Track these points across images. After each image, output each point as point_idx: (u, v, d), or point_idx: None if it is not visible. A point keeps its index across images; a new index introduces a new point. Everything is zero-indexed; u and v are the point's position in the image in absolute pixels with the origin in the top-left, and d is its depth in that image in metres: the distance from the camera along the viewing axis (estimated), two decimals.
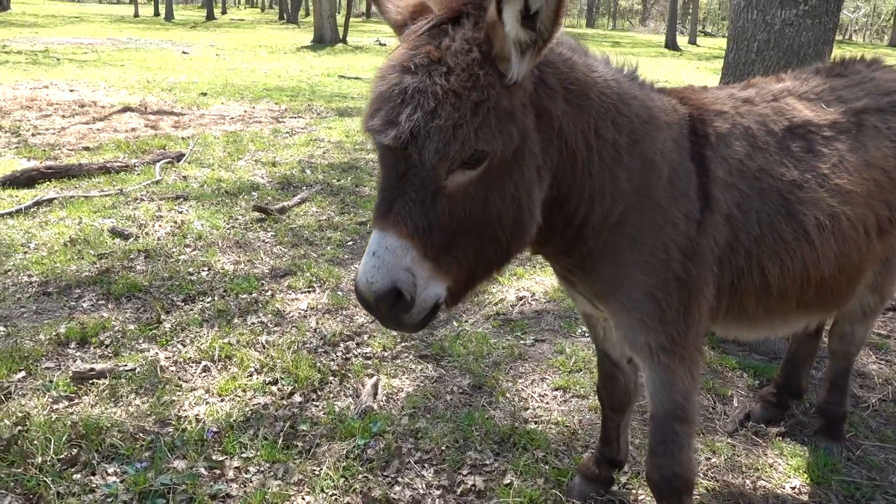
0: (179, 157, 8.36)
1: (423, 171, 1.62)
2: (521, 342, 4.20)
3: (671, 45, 38.11)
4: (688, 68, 25.71)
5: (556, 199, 1.94)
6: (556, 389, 3.70)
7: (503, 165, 1.71)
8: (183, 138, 9.57)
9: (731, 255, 2.23)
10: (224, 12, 59.09)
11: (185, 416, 3.30)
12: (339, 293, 4.78)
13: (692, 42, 43.91)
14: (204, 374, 3.72)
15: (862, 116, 2.48)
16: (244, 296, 4.65)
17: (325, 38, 29.14)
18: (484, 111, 1.63)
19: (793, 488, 3.00)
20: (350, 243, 5.81)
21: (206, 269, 5.08)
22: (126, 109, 11.47)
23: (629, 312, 2.20)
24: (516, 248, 1.90)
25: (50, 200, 6.42)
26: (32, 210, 6.16)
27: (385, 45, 30.34)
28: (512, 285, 4.99)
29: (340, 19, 31.13)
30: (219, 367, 3.77)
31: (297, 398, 3.51)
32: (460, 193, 1.68)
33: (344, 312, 4.50)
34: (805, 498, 2.94)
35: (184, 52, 23.02)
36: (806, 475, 3.07)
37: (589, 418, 3.44)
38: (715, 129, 2.25)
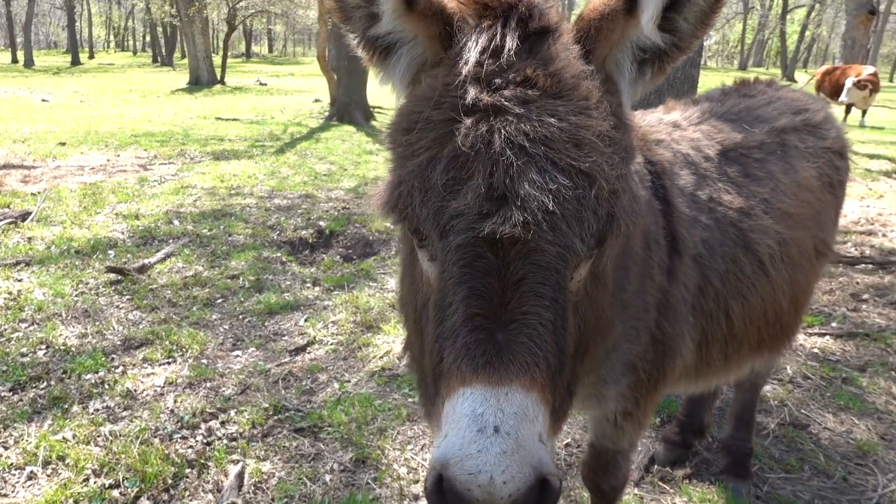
0: (25, 216, 7.43)
1: (554, 272, 1.07)
2: (410, 400, 3.81)
3: None
4: None
5: None
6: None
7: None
8: (32, 194, 8.57)
9: (703, 300, 1.95)
10: (91, 57, 55.97)
11: None
12: (204, 362, 4.21)
13: None
14: (28, 484, 3.07)
15: (784, 136, 2.36)
16: (88, 376, 3.99)
17: (202, 80, 28.04)
18: (630, 163, 1.16)
19: None
20: (220, 301, 5.24)
21: (43, 347, 4.36)
22: None
23: (607, 386, 1.84)
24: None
25: None
26: None
27: (266, 84, 29.63)
28: (398, 334, 4.61)
29: (218, 60, 30.06)
30: (48, 473, 3.13)
31: (144, 503, 2.94)
32: (580, 296, 1.19)
33: (208, 385, 3.94)
34: None
35: (43, 100, 21.36)
36: None
37: None
38: (664, 158, 1.99)
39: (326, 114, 17.13)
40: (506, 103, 1.08)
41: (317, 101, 21.62)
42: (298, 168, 10.39)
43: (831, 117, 2.64)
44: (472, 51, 1.15)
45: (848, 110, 17.86)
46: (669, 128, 2.18)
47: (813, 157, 2.42)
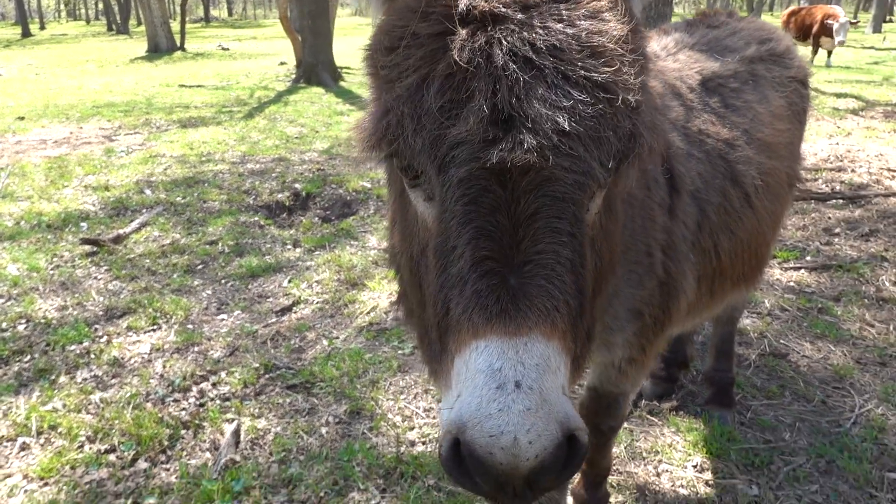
0: None
1: (571, 204, 0.95)
2: (400, 352, 3.84)
3: None
4: None
5: None
6: (441, 400, 3.38)
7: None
8: None
9: (701, 236, 1.89)
10: (42, 28, 53.81)
11: None
12: (190, 327, 4.19)
13: None
14: (22, 454, 3.06)
15: (753, 66, 2.35)
16: (72, 347, 3.95)
17: (161, 47, 27.17)
18: (649, 73, 1.03)
19: (695, 467, 2.87)
20: (200, 267, 5.18)
21: (23, 321, 4.29)
22: None
23: (613, 333, 1.76)
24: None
25: None
26: None
27: (228, 49, 28.85)
28: (384, 290, 4.63)
29: (176, 26, 29.09)
30: (41, 443, 3.12)
31: (142, 464, 2.95)
32: (595, 229, 1.07)
33: (196, 349, 3.93)
34: (708, 476, 2.82)
35: None
36: (705, 450, 2.96)
37: None
38: (655, 91, 1.87)
39: (293, 76, 16.77)
40: (505, 10, 0.96)
41: (282, 63, 21.12)
42: (269, 132, 10.21)
43: (793, 47, 2.67)
44: None
45: (815, 51, 17.96)
46: (652, 57, 2.16)
47: (781, 86, 2.43)
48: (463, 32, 0.96)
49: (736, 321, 3.19)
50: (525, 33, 0.94)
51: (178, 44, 27.85)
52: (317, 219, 6.31)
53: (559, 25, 0.95)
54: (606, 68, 0.94)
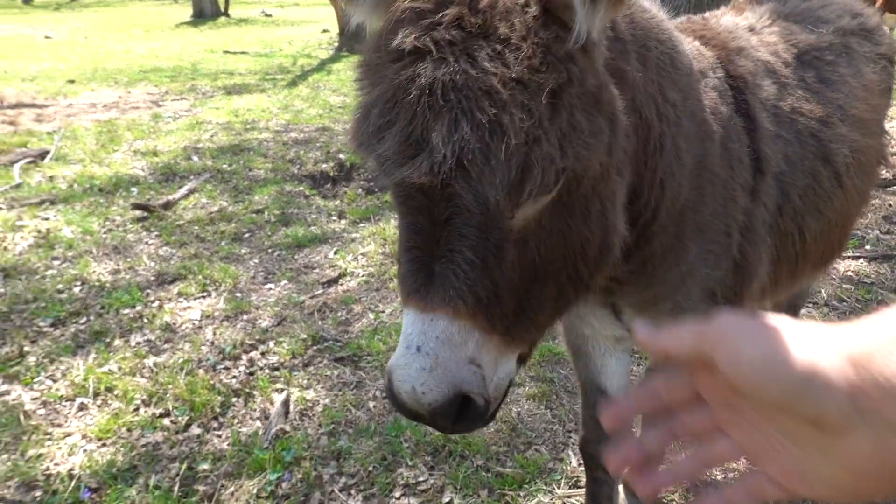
0: (43, 154, 7.40)
1: (477, 214, 1.07)
2: None
3: None
4: None
5: (627, 195, 1.40)
6: None
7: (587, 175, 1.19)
8: (48, 133, 8.52)
9: (780, 219, 1.87)
10: None
11: (57, 474, 2.74)
12: (238, 295, 4.25)
13: None
14: (80, 414, 3.15)
15: (846, 39, 2.26)
16: (126, 311, 4.04)
17: (206, 13, 27.31)
18: (568, 105, 1.07)
19: None
20: (247, 235, 5.24)
21: (78, 283, 4.41)
22: None
23: (684, 313, 1.73)
24: (599, 278, 1.34)
25: None
26: None
27: (271, 15, 28.88)
28: None
29: None
30: (98, 404, 3.21)
31: (195, 430, 3.01)
32: (531, 231, 1.15)
33: (245, 317, 3.99)
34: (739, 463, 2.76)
35: (47, 37, 20.94)
36: None
37: (527, 409, 3.13)
38: (746, 70, 1.86)
39: (336, 44, 16.71)
40: (431, 46, 1.05)
41: (325, 31, 21.05)
42: (312, 101, 10.22)
43: (881, 23, 2.57)
44: None
45: None
46: (747, 33, 2.08)
47: (871, 62, 2.35)
48: (393, 67, 1.09)
49: (799, 310, 3.10)
50: (438, 71, 1.04)
51: (223, 9, 27.97)
52: (360, 190, 6.31)
53: (467, 65, 1.04)
54: (493, 109, 1.02)
